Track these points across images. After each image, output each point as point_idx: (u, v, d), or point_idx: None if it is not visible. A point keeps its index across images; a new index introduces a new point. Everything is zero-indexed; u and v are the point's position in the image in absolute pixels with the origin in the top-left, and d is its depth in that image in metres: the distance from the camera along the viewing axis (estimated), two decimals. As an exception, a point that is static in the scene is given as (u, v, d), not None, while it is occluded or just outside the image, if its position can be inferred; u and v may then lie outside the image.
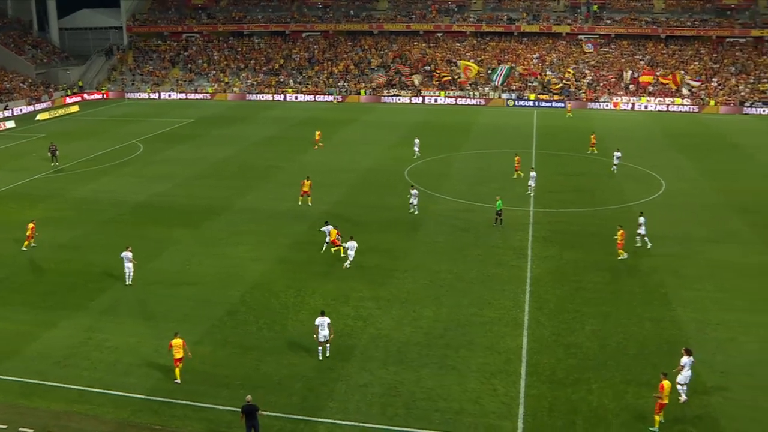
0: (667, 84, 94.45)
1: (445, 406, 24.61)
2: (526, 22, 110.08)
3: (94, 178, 56.97)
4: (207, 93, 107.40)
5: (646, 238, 39.79)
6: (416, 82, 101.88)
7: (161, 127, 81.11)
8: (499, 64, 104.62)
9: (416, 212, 45.85)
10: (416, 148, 63.20)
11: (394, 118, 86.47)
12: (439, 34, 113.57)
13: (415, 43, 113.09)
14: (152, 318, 31.52)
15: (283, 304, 32.70)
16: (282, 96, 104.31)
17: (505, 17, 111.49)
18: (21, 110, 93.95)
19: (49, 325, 30.93)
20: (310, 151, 66.25)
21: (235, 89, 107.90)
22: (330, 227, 39.19)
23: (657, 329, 30.04)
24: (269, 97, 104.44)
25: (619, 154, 57.70)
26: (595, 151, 64.25)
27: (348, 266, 36.84)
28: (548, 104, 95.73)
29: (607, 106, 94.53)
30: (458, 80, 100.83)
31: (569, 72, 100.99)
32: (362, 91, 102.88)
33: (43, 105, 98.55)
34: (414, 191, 46.59)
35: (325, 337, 27.61)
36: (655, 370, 26.09)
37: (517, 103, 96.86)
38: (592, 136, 65.69)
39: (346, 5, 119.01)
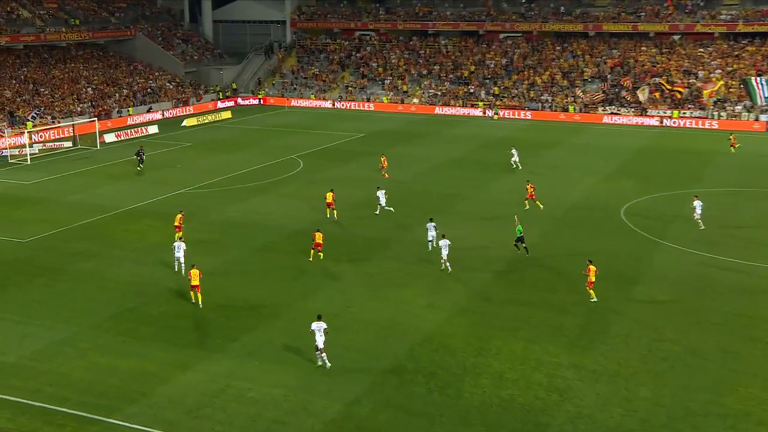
0: None
1: None
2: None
3: (244, 198, 59.91)
4: (381, 102, 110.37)
5: None
6: (642, 98, 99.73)
7: (326, 141, 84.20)
8: (758, 75, 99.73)
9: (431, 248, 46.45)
10: (515, 158, 69.65)
11: (610, 142, 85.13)
12: (676, 37, 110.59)
13: (643, 48, 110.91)
14: (302, 368, 32.38)
15: (459, 364, 32.66)
16: (471, 110, 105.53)
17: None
18: (164, 114, 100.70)
19: (182, 366, 32.48)
20: (501, 178, 66.28)
21: (415, 100, 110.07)
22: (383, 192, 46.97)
23: None
24: (456, 110, 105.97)
25: None
26: None
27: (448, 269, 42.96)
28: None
29: None
30: (697, 97, 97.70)
31: None
32: (570, 107, 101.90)
33: (191, 109, 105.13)
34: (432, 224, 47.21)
35: (323, 343, 31.98)
36: None
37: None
38: None
39: (556, 1, 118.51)
